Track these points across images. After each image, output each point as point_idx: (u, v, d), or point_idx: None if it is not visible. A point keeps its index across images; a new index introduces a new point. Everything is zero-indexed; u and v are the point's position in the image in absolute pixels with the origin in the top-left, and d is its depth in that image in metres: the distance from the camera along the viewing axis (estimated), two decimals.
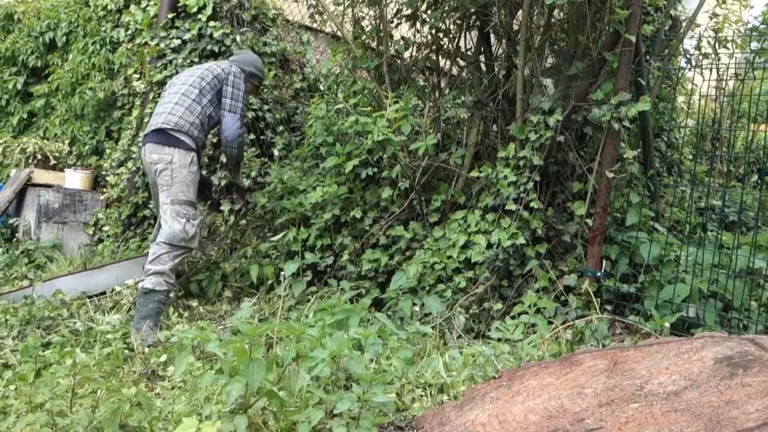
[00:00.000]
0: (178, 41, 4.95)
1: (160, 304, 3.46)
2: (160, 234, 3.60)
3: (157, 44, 4.98)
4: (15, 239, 5.12)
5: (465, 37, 4.21)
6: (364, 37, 4.14)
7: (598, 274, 3.37)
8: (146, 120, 4.96)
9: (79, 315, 3.58)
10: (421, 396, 2.29)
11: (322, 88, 5.11)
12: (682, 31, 4.38)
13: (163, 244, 3.52)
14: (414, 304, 3.41)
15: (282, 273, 3.79)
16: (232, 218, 4.71)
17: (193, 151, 3.64)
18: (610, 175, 3.37)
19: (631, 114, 3.30)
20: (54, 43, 5.97)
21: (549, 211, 3.61)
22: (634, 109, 3.31)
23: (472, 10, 3.96)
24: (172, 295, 3.66)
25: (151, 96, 5.03)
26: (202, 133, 3.75)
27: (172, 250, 3.51)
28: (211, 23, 4.91)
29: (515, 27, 3.96)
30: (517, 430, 1.69)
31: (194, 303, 3.92)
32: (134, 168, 4.99)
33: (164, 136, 3.60)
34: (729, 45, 4.15)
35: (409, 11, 4.08)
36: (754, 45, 4.32)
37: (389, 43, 4.03)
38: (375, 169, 3.96)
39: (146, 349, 3.00)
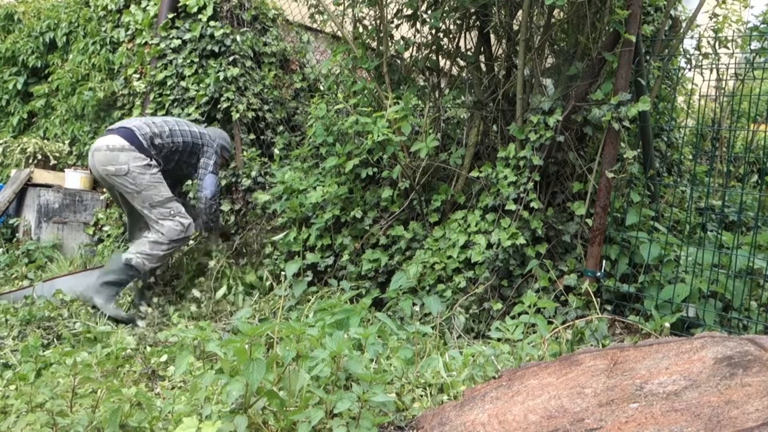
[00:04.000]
0: (179, 41, 4.96)
1: (130, 279, 3.64)
2: (159, 231, 3.69)
3: (158, 44, 4.98)
4: (15, 239, 5.13)
5: (465, 37, 4.21)
6: (364, 37, 4.14)
7: (598, 274, 3.37)
8: None
9: (79, 315, 3.58)
10: (421, 396, 2.29)
11: (322, 88, 5.11)
12: (682, 31, 4.38)
13: (164, 238, 3.67)
14: (414, 304, 3.41)
15: (282, 273, 3.79)
16: (232, 218, 4.72)
17: (150, 157, 3.70)
18: (610, 175, 3.37)
19: (631, 114, 3.30)
20: (54, 43, 5.97)
21: (549, 211, 3.61)
22: (634, 109, 3.31)
23: (472, 10, 3.96)
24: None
25: (151, 96, 5.03)
26: (167, 155, 3.85)
27: (172, 243, 3.71)
28: (212, 23, 4.91)
29: (515, 27, 3.95)
30: (517, 430, 1.69)
31: (199, 294, 3.92)
32: None
33: (126, 139, 3.65)
34: (729, 45, 4.15)
35: (409, 11, 4.08)
36: (754, 45, 4.32)
37: (389, 43, 4.03)
38: (375, 169, 3.96)
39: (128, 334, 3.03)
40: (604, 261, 3.41)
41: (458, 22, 4.13)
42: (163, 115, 4.97)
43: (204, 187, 3.98)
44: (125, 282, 3.62)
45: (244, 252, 4.38)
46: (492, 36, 4.20)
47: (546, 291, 3.37)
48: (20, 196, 5.18)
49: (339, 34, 4.32)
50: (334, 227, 4.00)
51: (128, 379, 2.55)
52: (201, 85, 4.89)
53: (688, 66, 4.35)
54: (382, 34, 4.03)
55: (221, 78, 4.81)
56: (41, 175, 5.27)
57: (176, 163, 3.94)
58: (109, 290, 3.55)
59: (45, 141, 5.65)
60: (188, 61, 4.94)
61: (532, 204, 3.45)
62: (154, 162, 3.71)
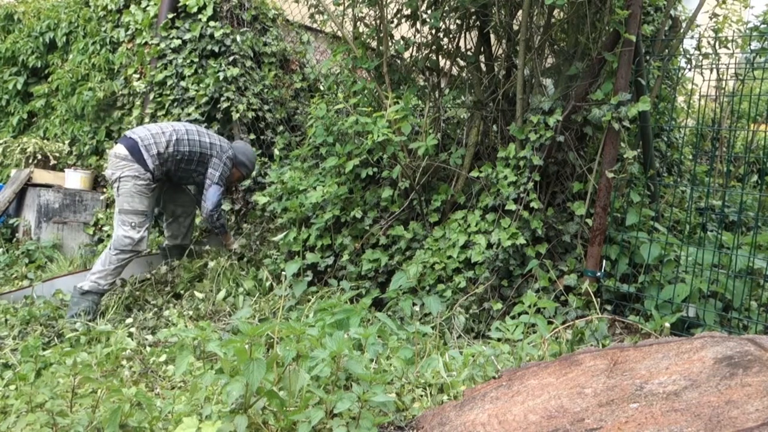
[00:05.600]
0: (179, 41, 4.96)
1: (93, 303, 3.69)
2: (112, 240, 3.84)
3: (158, 44, 4.98)
4: (15, 239, 5.12)
5: (465, 37, 4.21)
6: (364, 37, 4.14)
7: (598, 274, 3.37)
8: (146, 120, 4.97)
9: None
10: (421, 396, 2.29)
11: (322, 88, 5.11)
12: (682, 31, 4.38)
13: (113, 248, 3.78)
14: (414, 304, 3.41)
15: (282, 273, 3.79)
16: (232, 218, 4.72)
17: (147, 170, 3.81)
18: (610, 175, 3.37)
19: (631, 114, 3.30)
20: (54, 43, 5.97)
21: (549, 211, 3.61)
22: (634, 109, 3.31)
23: (472, 10, 3.96)
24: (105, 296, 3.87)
25: (151, 96, 5.03)
26: (173, 164, 3.96)
27: (119, 254, 3.77)
28: (212, 23, 4.91)
29: (515, 27, 3.95)
30: (517, 430, 1.69)
31: (200, 295, 3.91)
32: None
33: (129, 149, 3.80)
34: (729, 45, 4.15)
35: (409, 11, 4.08)
36: (754, 45, 4.32)
37: (389, 43, 4.03)
38: (375, 169, 3.96)
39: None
40: (604, 261, 3.41)
41: (458, 22, 4.13)
42: (163, 115, 4.96)
43: (206, 198, 4.06)
44: (90, 307, 3.66)
45: (243, 253, 4.38)
46: (492, 36, 4.20)
47: (546, 291, 3.37)
48: (20, 196, 5.18)
49: (339, 34, 4.32)
50: (334, 227, 3.99)
51: (128, 379, 2.55)
52: (201, 85, 4.89)
53: (688, 66, 4.35)
54: (382, 34, 4.02)
55: (221, 78, 4.81)
56: (41, 175, 5.27)
57: (183, 171, 4.05)
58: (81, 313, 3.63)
59: (45, 141, 5.65)
60: (188, 61, 4.93)
61: (532, 204, 3.45)
62: (147, 174, 3.81)
